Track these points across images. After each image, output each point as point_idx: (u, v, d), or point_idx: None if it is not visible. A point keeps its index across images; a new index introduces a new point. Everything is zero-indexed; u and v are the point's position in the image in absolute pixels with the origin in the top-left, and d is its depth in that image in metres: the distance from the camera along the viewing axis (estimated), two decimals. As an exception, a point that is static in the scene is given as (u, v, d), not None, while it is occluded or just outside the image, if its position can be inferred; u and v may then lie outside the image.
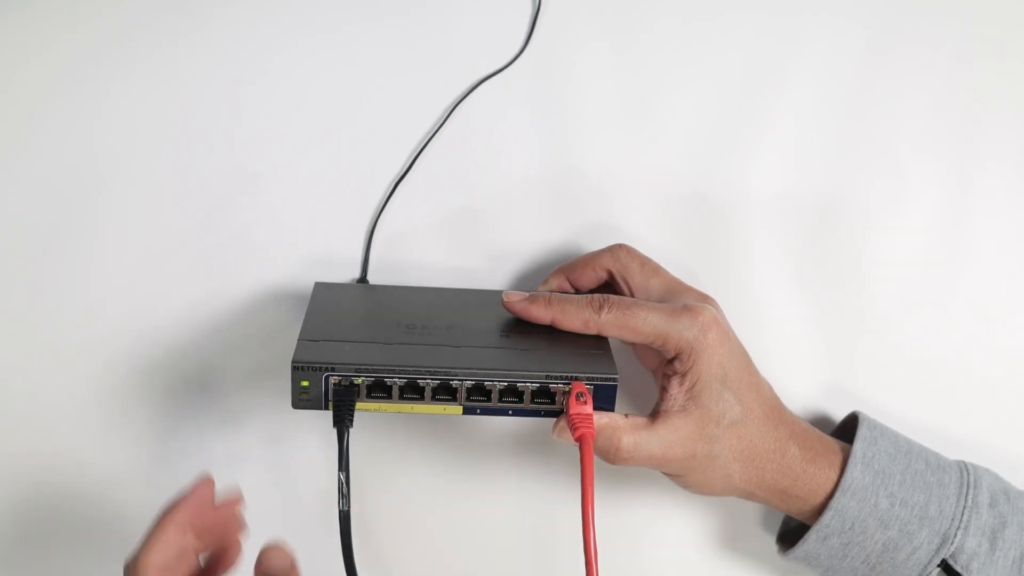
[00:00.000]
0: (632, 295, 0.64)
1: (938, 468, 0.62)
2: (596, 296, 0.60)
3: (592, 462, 0.55)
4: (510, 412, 0.58)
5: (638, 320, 0.58)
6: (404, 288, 0.67)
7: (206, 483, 0.55)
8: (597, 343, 0.60)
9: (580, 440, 0.56)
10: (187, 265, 0.69)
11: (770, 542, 0.70)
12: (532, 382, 0.58)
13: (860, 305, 0.70)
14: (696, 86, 0.69)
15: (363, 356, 0.57)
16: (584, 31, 0.69)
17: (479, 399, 0.58)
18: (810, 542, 0.62)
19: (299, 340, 0.59)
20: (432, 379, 0.57)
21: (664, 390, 0.60)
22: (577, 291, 0.66)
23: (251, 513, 0.58)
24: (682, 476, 0.61)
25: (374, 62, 0.69)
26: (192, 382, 0.70)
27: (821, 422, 0.71)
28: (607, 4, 0.69)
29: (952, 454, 0.65)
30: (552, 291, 0.65)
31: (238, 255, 0.69)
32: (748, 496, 0.63)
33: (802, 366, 0.68)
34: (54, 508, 0.71)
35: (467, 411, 0.58)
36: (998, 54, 0.69)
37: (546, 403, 0.58)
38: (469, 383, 0.57)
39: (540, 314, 0.60)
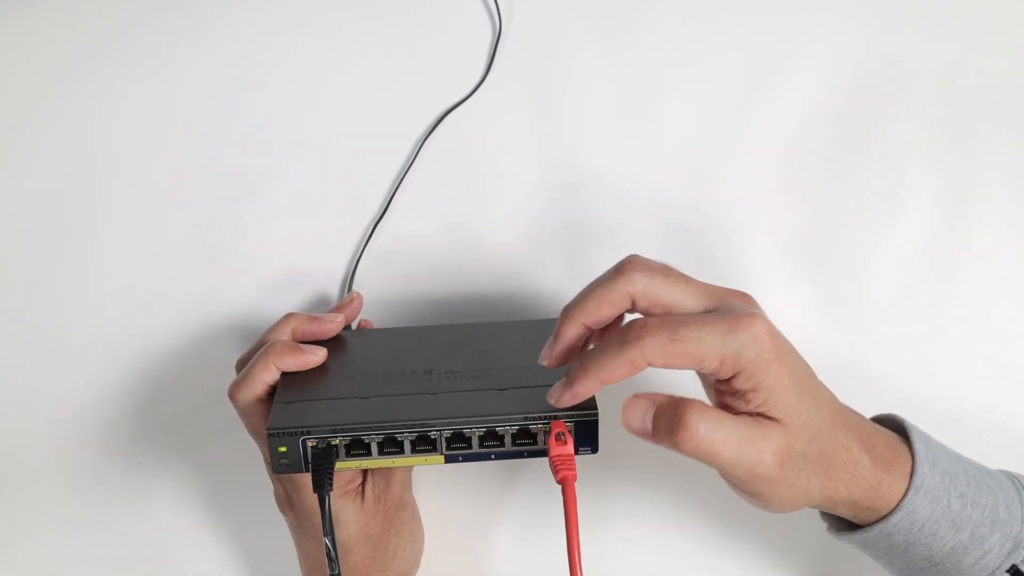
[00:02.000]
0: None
1: (991, 474, 0.58)
2: (628, 326, 0.51)
3: (576, 506, 0.53)
4: (492, 456, 0.57)
5: (689, 343, 0.49)
6: (381, 331, 0.67)
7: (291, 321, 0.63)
8: None
9: (562, 483, 0.54)
10: (186, 266, 0.70)
11: None
12: (511, 425, 0.56)
13: (859, 305, 0.70)
14: (694, 87, 0.69)
15: (339, 416, 0.56)
16: (583, 31, 0.69)
17: (460, 447, 0.56)
18: (872, 533, 0.56)
19: (274, 403, 0.58)
20: (410, 432, 0.56)
21: (724, 406, 0.53)
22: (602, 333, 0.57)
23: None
24: (764, 494, 0.53)
25: (375, 64, 0.69)
26: (191, 382, 0.71)
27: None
28: (604, 6, 0.69)
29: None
30: (571, 345, 0.55)
31: (237, 256, 0.70)
32: (821, 506, 0.56)
33: None
34: (55, 507, 0.73)
35: (449, 459, 0.57)
36: (996, 54, 0.68)
37: (528, 444, 0.56)
38: (448, 432, 0.56)
39: (587, 388, 0.52)
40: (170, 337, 0.71)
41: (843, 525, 0.59)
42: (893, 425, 0.58)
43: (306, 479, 0.58)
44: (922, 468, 0.55)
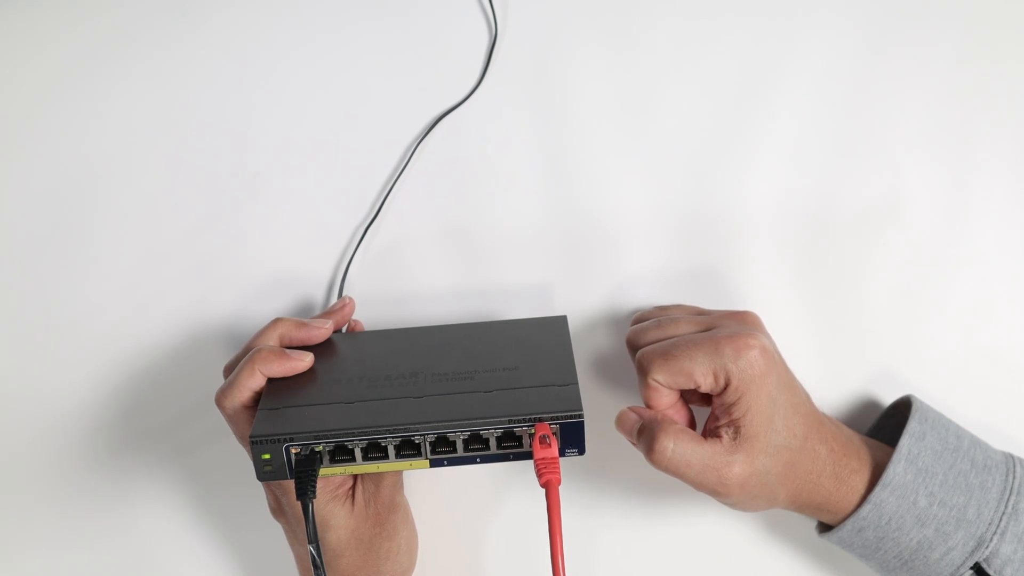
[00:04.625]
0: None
1: (983, 469, 0.60)
2: (638, 359, 0.60)
3: (559, 511, 0.52)
4: (478, 460, 0.56)
5: (683, 361, 0.58)
6: (370, 334, 0.66)
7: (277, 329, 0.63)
8: (565, 375, 0.57)
9: (545, 487, 0.53)
10: (179, 270, 0.70)
11: None
12: (496, 428, 0.55)
13: (858, 305, 0.69)
14: (692, 87, 0.69)
15: (322, 422, 0.56)
16: (579, 34, 0.69)
17: (444, 451, 0.56)
18: (845, 531, 0.61)
19: (258, 410, 0.57)
20: (393, 437, 0.55)
21: (714, 417, 0.60)
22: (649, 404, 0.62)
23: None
24: (728, 502, 0.60)
25: (372, 68, 0.69)
26: (184, 387, 0.71)
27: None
28: (600, 9, 0.68)
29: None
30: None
31: (230, 260, 0.70)
32: (786, 508, 0.62)
33: (800, 365, 0.63)
34: (45, 511, 0.73)
35: (434, 464, 0.56)
36: (995, 54, 0.68)
37: (514, 447, 0.55)
38: (432, 437, 0.55)
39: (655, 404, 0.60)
40: (163, 341, 0.71)
41: (825, 526, 0.64)
42: (906, 406, 0.63)
43: (294, 485, 0.58)
44: (895, 467, 0.59)
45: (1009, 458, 0.62)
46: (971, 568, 0.58)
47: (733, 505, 0.60)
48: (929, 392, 0.68)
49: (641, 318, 0.65)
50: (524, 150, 0.69)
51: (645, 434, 0.58)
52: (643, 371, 0.59)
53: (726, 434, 0.58)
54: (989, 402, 0.69)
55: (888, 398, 0.69)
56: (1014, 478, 0.60)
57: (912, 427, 0.60)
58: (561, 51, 0.69)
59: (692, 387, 0.58)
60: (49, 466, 0.72)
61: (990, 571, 0.58)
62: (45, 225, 0.70)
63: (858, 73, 0.68)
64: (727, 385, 0.57)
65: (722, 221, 0.69)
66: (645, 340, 0.61)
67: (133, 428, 0.72)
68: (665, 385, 0.58)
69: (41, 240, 0.70)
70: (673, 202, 0.69)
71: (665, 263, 0.69)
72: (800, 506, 0.61)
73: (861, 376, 0.69)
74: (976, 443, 0.62)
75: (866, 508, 0.59)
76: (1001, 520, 0.58)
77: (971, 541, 0.58)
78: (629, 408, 0.61)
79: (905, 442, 0.60)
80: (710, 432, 0.59)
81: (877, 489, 0.59)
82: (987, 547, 0.58)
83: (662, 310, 0.66)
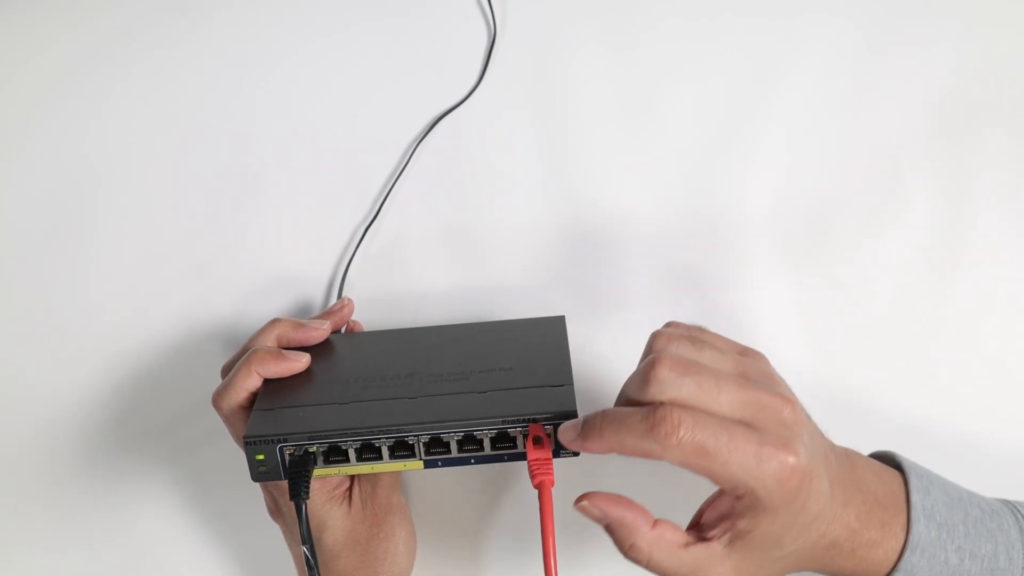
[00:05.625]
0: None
1: (993, 513, 0.55)
2: (660, 415, 0.47)
3: (552, 513, 0.52)
4: (472, 461, 0.56)
5: (714, 465, 0.47)
6: (368, 334, 0.66)
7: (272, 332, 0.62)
8: (560, 376, 0.57)
9: (539, 488, 0.52)
10: (178, 271, 0.71)
11: None
12: (489, 429, 0.54)
13: (858, 305, 0.69)
14: (692, 87, 0.69)
15: (316, 423, 0.56)
16: (578, 35, 0.69)
17: (439, 452, 0.55)
18: None
19: (253, 410, 0.57)
20: (387, 437, 0.55)
21: (713, 508, 0.52)
22: None
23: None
24: None
25: (371, 68, 0.69)
26: (182, 387, 0.71)
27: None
28: (598, 9, 0.69)
29: (949, 453, 0.65)
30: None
31: (229, 261, 0.70)
32: None
33: (799, 364, 0.64)
34: (43, 511, 0.73)
35: (428, 465, 0.56)
36: (995, 54, 0.68)
37: (508, 448, 0.55)
38: (425, 437, 0.55)
39: (598, 449, 0.50)
40: (162, 341, 0.71)
41: None
42: (890, 463, 0.56)
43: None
44: (917, 526, 0.52)
45: (1003, 501, 0.57)
46: None
47: None
48: (929, 392, 0.68)
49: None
50: (524, 150, 0.69)
51: (616, 532, 0.50)
52: (662, 442, 0.46)
53: (719, 541, 0.50)
54: (989, 403, 0.68)
55: (888, 399, 0.68)
56: (1021, 517, 0.55)
57: (914, 482, 0.53)
58: (560, 51, 0.69)
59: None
60: (48, 466, 0.72)
61: None
62: (45, 225, 0.70)
63: (858, 73, 0.68)
64: (746, 494, 0.48)
65: (722, 221, 0.69)
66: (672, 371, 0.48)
67: (132, 428, 0.72)
68: (677, 464, 0.47)
69: (41, 240, 0.70)
70: (672, 202, 0.69)
71: (665, 263, 0.69)
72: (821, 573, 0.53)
73: (860, 377, 0.69)
74: (970, 492, 0.56)
75: None
76: None
77: None
78: (595, 498, 0.50)
79: (917, 498, 0.53)
80: (702, 526, 0.51)
81: (907, 555, 0.52)
82: None
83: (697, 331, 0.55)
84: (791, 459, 0.47)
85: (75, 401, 0.71)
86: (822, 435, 0.52)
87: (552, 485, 0.53)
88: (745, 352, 0.53)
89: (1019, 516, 0.55)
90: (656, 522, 0.50)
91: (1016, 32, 0.67)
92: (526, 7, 0.69)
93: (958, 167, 0.68)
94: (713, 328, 0.55)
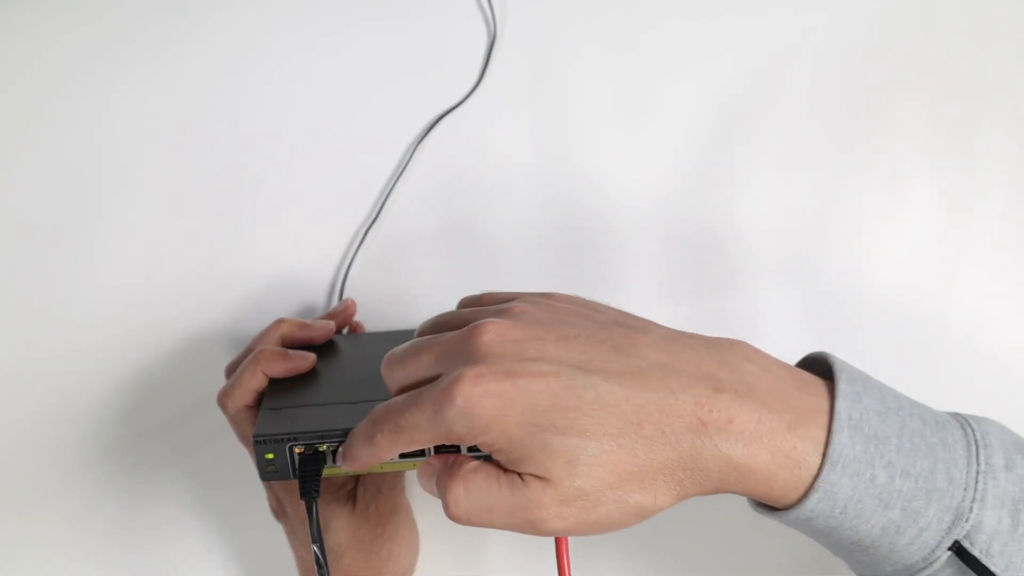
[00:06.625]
0: None
1: (936, 425, 0.46)
2: (372, 414, 0.47)
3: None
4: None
5: (406, 432, 0.45)
6: (372, 335, 0.66)
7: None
8: None
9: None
10: (180, 271, 0.70)
11: None
12: None
13: (858, 307, 0.69)
14: (692, 87, 0.69)
15: (326, 421, 0.56)
16: (578, 35, 0.69)
17: (449, 449, 0.55)
18: (787, 519, 0.46)
19: (261, 410, 0.57)
20: None
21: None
22: None
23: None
24: (557, 532, 0.45)
25: (371, 69, 0.70)
26: (185, 387, 0.71)
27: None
28: (598, 10, 0.69)
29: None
30: None
31: (231, 261, 0.70)
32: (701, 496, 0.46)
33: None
34: (46, 511, 0.73)
35: None
36: (994, 53, 0.68)
37: None
38: None
39: (350, 467, 0.49)
40: (164, 341, 0.71)
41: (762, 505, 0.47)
42: (822, 366, 0.48)
43: (296, 486, 0.58)
44: (839, 437, 0.44)
45: (955, 414, 0.48)
46: (948, 549, 0.44)
47: (586, 532, 0.45)
48: (929, 392, 0.67)
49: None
50: (523, 150, 0.69)
51: (439, 487, 0.46)
52: (369, 435, 0.46)
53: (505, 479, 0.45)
54: (989, 403, 0.68)
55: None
56: (972, 431, 0.46)
57: (843, 388, 0.45)
58: (560, 51, 0.69)
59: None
60: (49, 466, 0.72)
61: (975, 550, 0.44)
62: (47, 225, 0.70)
63: (858, 73, 0.68)
64: (467, 444, 0.44)
65: (722, 221, 0.69)
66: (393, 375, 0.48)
67: (134, 428, 0.72)
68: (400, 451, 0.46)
69: (43, 240, 0.70)
70: (672, 202, 0.69)
71: (664, 262, 0.69)
72: (717, 490, 0.45)
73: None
74: (914, 402, 0.47)
75: (814, 497, 0.44)
76: (978, 482, 0.44)
77: (947, 515, 0.44)
78: (428, 459, 0.48)
79: (842, 406, 0.44)
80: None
81: (825, 471, 0.43)
82: (967, 520, 0.44)
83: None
84: (462, 383, 0.42)
85: (76, 401, 0.71)
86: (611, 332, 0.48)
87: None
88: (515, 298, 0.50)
89: (969, 429, 0.46)
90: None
91: (1016, 32, 0.68)
92: (526, 7, 0.69)
93: (959, 166, 0.68)
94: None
